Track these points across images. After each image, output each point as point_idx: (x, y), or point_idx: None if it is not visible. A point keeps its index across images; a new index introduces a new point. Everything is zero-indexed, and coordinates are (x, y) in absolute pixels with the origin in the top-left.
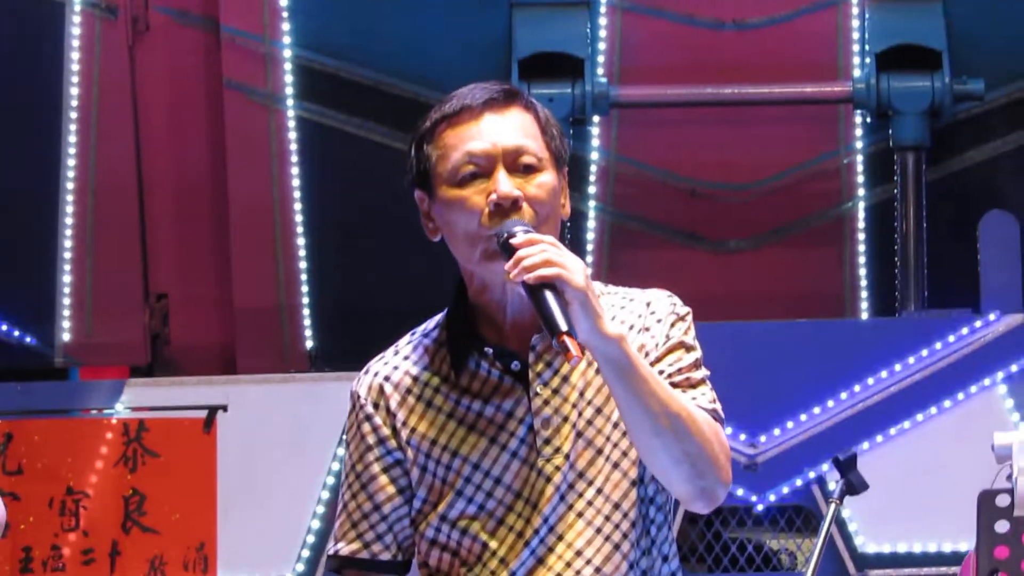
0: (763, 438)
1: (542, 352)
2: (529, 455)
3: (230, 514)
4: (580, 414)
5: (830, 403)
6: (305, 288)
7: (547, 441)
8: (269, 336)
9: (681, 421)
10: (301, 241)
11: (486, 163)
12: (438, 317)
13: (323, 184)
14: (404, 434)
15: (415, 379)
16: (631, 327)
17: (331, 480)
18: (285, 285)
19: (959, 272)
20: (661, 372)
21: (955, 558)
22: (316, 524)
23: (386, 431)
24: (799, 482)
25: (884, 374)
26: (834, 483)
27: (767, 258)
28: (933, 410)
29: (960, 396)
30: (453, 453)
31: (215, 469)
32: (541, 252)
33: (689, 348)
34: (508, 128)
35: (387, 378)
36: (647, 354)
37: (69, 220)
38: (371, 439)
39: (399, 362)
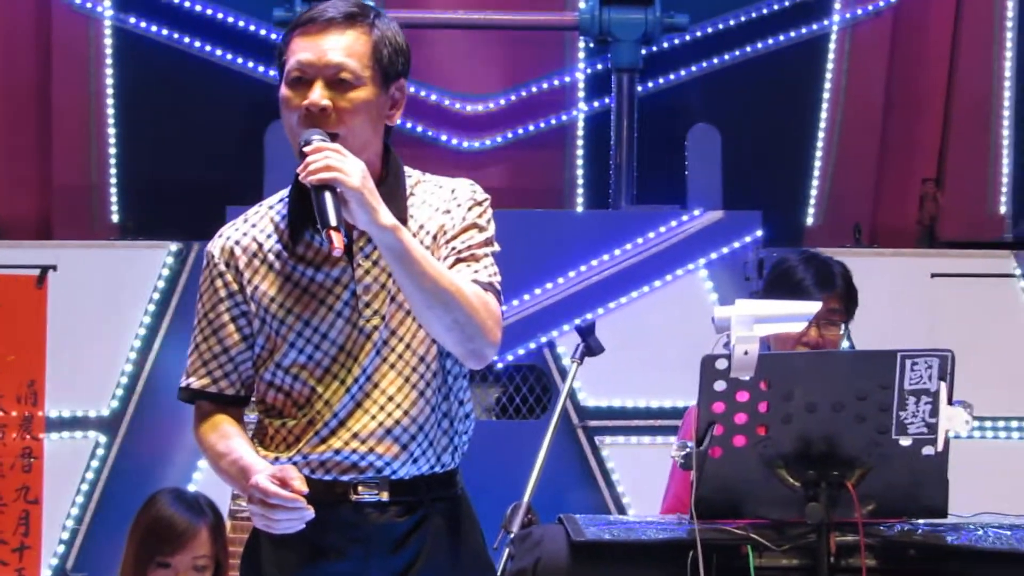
0: (503, 307)
1: (364, 231)
2: (351, 316)
3: (57, 357)
4: (394, 282)
5: (560, 280)
6: (113, 170)
7: (367, 304)
8: (81, 210)
9: (450, 295)
10: (111, 131)
11: (311, 72)
12: (282, 193)
13: (132, 83)
14: (249, 290)
15: (260, 245)
16: (437, 208)
17: (142, 331)
18: (96, 168)
19: (666, 175)
20: (454, 248)
21: (659, 412)
22: (128, 368)
23: (235, 287)
24: (532, 345)
25: (606, 257)
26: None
27: (501, 158)
28: (645, 289)
29: (668, 278)
30: (288, 310)
31: (45, 319)
32: (324, 159)
33: (481, 229)
34: (337, 46)
35: (237, 242)
36: (446, 232)
37: None
38: (222, 292)
39: (248, 229)
